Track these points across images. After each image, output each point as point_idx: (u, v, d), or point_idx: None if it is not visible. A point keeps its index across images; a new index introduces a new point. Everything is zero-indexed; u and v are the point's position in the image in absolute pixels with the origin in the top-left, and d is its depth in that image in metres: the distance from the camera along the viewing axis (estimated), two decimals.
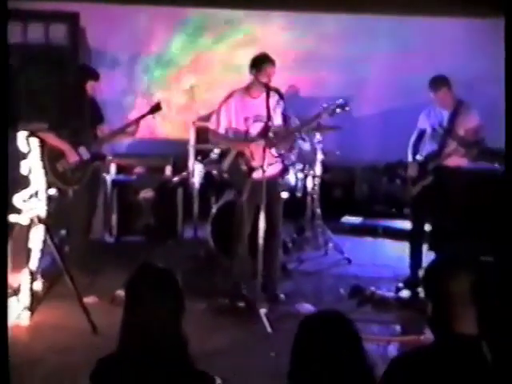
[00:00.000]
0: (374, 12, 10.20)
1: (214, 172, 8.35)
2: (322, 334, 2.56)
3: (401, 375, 2.61)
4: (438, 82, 7.21)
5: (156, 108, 7.50)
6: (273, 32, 10.46)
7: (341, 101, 6.66)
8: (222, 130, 6.85)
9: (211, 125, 6.94)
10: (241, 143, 6.79)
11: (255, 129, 6.77)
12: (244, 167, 6.76)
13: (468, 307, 2.41)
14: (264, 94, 6.60)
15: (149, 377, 2.88)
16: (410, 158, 7.48)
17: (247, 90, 6.81)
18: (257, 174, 6.57)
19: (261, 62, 6.66)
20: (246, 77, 6.82)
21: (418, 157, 7.38)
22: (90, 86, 7.39)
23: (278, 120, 6.93)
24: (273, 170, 6.79)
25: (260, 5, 10.40)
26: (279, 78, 7.03)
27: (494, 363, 2.31)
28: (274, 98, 6.80)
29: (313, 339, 2.56)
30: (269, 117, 6.53)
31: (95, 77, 7.48)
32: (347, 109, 6.63)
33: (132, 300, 3.02)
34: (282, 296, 6.99)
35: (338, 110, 6.63)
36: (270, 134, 6.62)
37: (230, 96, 6.87)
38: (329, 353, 2.50)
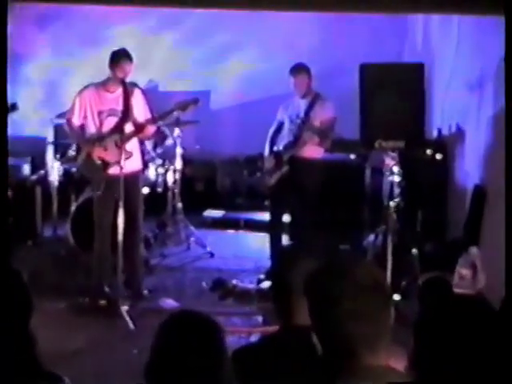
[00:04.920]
0: (234, 6, 10.24)
1: (73, 169, 8.23)
2: (181, 333, 2.55)
3: (238, 366, 2.65)
4: (298, 68, 7.34)
5: (12, 108, 7.26)
6: (132, 27, 10.37)
7: (192, 97, 6.80)
8: (76, 121, 6.76)
9: (67, 114, 6.87)
10: (90, 145, 6.74)
11: (109, 123, 6.69)
12: (98, 162, 6.70)
13: (303, 297, 2.43)
14: (121, 89, 6.62)
15: None
16: (267, 151, 7.59)
17: (104, 84, 6.74)
18: (113, 170, 6.52)
19: (118, 57, 6.59)
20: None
21: (275, 149, 7.50)
22: None
23: (142, 114, 6.75)
24: (131, 165, 6.69)
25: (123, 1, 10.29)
26: (138, 74, 7.00)
27: (323, 356, 2.33)
28: (135, 92, 6.76)
29: (172, 338, 2.55)
30: (125, 112, 6.48)
31: None
32: (199, 104, 6.76)
33: None
34: (145, 292, 6.97)
35: (190, 106, 6.75)
36: (126, 129, 6.58)
37: (85, 88, 6.80)
38: (186, 352, 2.50)
